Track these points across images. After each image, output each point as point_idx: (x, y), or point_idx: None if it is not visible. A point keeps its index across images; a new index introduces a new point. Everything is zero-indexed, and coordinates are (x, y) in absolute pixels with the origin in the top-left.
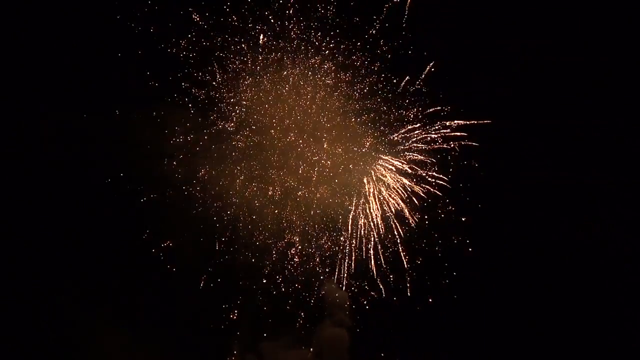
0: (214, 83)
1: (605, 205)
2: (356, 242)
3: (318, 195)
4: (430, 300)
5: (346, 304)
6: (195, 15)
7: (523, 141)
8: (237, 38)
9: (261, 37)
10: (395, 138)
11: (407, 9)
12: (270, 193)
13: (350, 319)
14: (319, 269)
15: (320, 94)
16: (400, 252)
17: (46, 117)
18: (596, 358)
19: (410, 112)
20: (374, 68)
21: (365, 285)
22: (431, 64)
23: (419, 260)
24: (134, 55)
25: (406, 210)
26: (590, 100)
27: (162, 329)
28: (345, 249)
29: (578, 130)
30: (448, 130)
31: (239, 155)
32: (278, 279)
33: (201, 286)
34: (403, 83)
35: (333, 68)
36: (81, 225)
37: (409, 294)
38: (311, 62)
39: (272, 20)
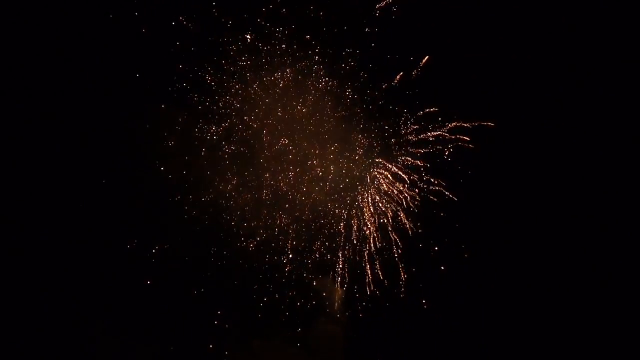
0: (204, 86)
1: (603, 209)
2: (350, 246)
3: (311, 201)
4: (424, 304)
5: (341, 301)
6: (182, 18)
7: (520, 144)
8: (227, 39)
9: (248, 36)
10: (389, 142)
11: (392, 9)
12: (263, 197)
13: (345, 316)
14: (312, 276)
15: (311, 98)
16: (394, 256)
17: (38, 119)
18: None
19: (402, 116)
20: (364, 74)
21: (355, 289)
22: (422, 63)
23: (413, 264)
24: (125, 58)
25: (400, 215)
26: (589, 102)
27: (155, 331)
28: (339, 254)
29: (576, 133)
30: (441, 132)
31: (231, 159)
32: (270, 287)
33: (195, 291)
34: (395, 82)
35: (322, 72)
36: (73, 228)
37: (402, 296)
38: (301, 66)
39: (262, 23)
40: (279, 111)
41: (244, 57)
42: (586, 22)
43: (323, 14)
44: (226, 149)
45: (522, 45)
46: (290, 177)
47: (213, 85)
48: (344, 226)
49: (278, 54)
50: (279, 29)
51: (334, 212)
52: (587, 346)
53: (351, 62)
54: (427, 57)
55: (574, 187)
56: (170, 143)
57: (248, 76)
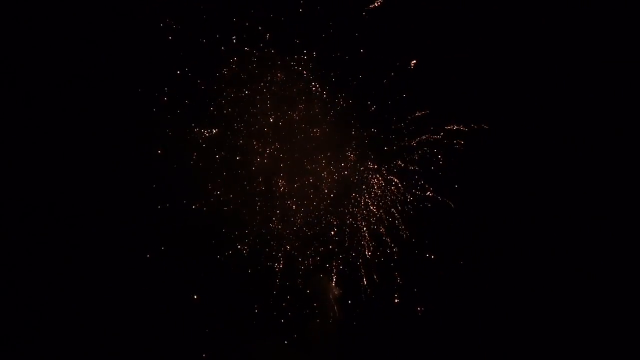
0: (195, 90)
1: (605, 215)
2: (344, 252)
3: (303, 208)
4: (419, 311)
5: (337, 301)
6: (169, 20)
7: (516, 147)
8: (216, 40)
9: (233, 39)
10: (382, 147)
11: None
12: (255, 203)
13: (340, 315)
14: (306, 281)
15: (302, 104)
16: (389, 262)
17: (32, 120)
18: None
19: (395, 121)
20: (355, 79)
21: (350, 295)
22: (411, 65)
23: (408, 270)
24: (113, 61)
25: (395, 221)
26: (586, 103)
27: (148, 336)
28: (333, 259)
29: (573, 135)
30: (436, 136)
31: (223, 164)
32: (264, 292)
33: (188, 296)
34: (386, 84)
35: (313, 77)
36: (63, 232)
37: (396, 301)
38: (292, 70)
39: (250, 26)
40: (271, 117)
41: (233, 59)
42: (581, 23)
43: (313, 17)
44: (217, 155)
45: (517, 46)
46: (282, 183)
47: (203, 89)
48: (337, 232)
49: (268, 58)
50: (268, 33)
51: (328, 218)
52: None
53: (341, 68)
54: (414, 61)
55: (573, 190)
56: (159, 151)
57: (239, 79)
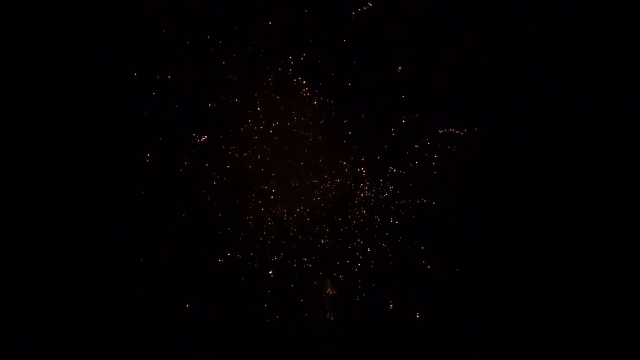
0: (188, 93)
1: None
2: (339, 259)
3: (296, 215)
4: (417, 316)
5: (331, 302)
6: (160, 24)
7: (512, 150)
8: (209, 43)
9: (221, 41)
10: (377, 153)
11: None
12: (248, 210)
13: (334, 315)
14: (300, 287)
15: (294, 111)
16: (385, 269)
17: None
18: None
19: (389, 125)
20: (349, 84)
21: (345, 301)
22: (400, 70)
23: (405, 275)
24: (105, 64)
25: (391, 227)
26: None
27: (141, 342)
28: (327, 266)
29: (569, 136)
30: (431, 141)
31: (215, 170)
32: (258, 297)
33: (180, 303)
34: (380, 87)
35: (305, 82)
36: (53, 235)
37: (391, 307)
38: (284, 73)
39: (242, 28)
40: (262, 122)
41: (224, 63)
42: (572, 24)
43: (303, 20)
44: (207, 162)
45: (508, 47)
46: (274, 190)
47: (192, 94)
48: (331, 239)
49: (260, 60)
50: (257, 36)
51: (321, 224)
52: None
53: (333, 72)
54: (400, 67)
55: (569, 193)
56: (149, 155)
57: (229, 84)
